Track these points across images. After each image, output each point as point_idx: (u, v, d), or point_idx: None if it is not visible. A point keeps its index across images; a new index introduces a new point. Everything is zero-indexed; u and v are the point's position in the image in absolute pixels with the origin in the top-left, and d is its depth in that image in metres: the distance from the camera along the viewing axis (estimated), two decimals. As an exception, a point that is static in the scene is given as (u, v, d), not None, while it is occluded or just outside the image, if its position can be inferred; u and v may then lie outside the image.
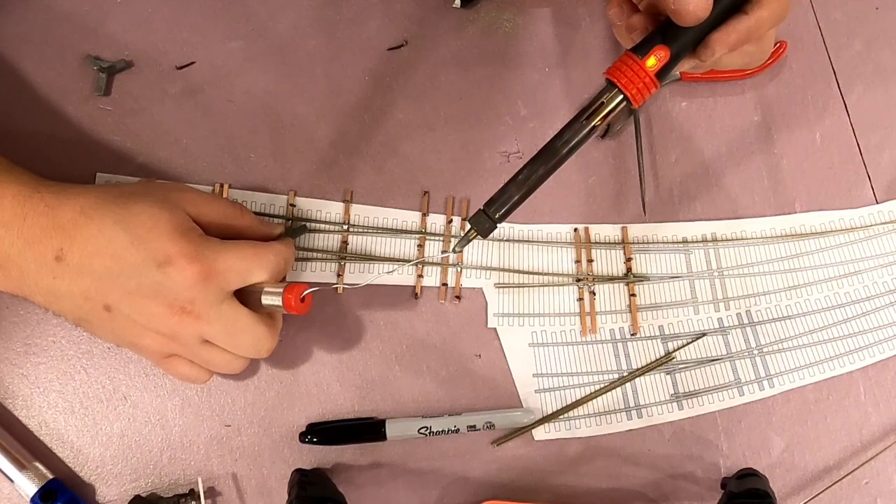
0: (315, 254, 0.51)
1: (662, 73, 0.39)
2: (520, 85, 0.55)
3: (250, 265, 0.43)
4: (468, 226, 0.41)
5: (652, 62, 0.37)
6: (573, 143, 0.39)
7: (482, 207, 0.40)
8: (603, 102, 0.38)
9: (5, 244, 0.41)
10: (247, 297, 0.43)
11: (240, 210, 0.47)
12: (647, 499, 0.50)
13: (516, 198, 0.40)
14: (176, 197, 0.43)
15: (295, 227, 0.51)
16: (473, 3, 0.56)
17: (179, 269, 0.40)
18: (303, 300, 0.43)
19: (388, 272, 0.51)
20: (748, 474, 0.48)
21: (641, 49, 0.38)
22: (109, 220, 0.41)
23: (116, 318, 0.41)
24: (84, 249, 0.40)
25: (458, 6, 0.55)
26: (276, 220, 0.51)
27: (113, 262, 0.40)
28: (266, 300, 0.43)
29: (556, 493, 0.50)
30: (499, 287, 0.52)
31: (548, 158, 0.39)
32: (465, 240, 0.42)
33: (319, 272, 0.51)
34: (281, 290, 0.43)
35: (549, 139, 0.39)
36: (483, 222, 0.40)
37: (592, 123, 0.38)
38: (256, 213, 0.51)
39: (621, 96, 0.38)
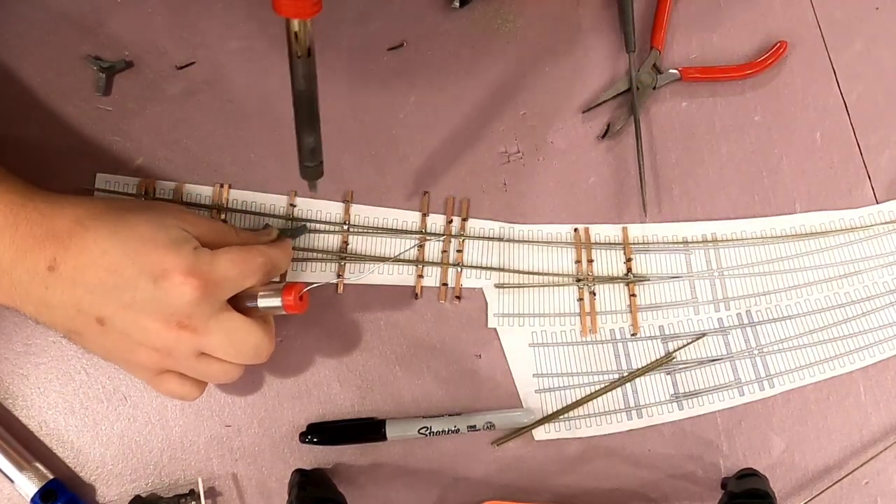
0: (315, 254, 0.51)
1: None
2: (520, 85, 0.55)
3: (242, 271, 0.42)
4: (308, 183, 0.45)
5: None
6: (303, 79, 0.41)
7: (303, 164, 0.44)
8: (288, 37, 0.39)
9: None
10: (240, 303, 0.43)
11: (234, 231, 0.46)
12: (647, 499, 0.50)
13: (312, 141, 0.43)
14: (174, 215, 0.43)
15: (294, 227, 0.51)
16: (472, 2, 0.56)
17: (176, 284, 0.40)
18: (301, 298, 0.43)
19: (396, 256, 0.51)
20: (748, 474, 0.48)
21: None
22: (105, 232, 0.40)
23: (109, 332, 0.41)
24: (78, 260, 0.40)
25: (457, 7, 0.55)
26: (272, 221, 0.51)
27: (107, 275, 0.40)
28: (263, 303, 0.43)
29: (556, 493, 0.50)
30: (499, 287, 0.52)
31: (305, 102, 0.42)
32: (314, 187, 0.45)
33: (319, 272, 0.51)
34: (278, 291, 0.43)
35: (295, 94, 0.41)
36: (311, 172, 0.44)
37: (298, 53, 0.39)
38: (256, 214, 0.51)
39: (294, 21, 0.38)
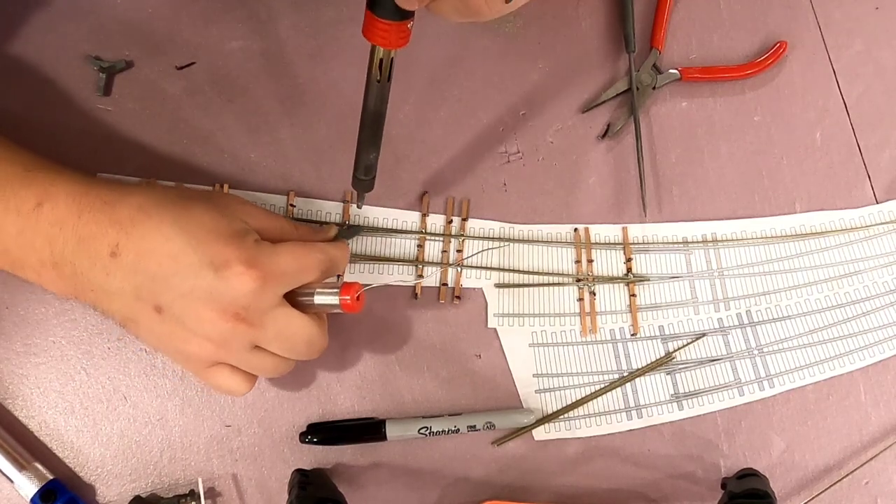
0: (315, 254, 0.51)
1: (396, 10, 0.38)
2: (520, 85, 0.55)
3: (302, 266, 0.42)
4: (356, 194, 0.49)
5: (382, 11, 0.37)
6: (376, 101, 0.42)
7: (354, 175, 0.46)
8: (371, 61, 0.40)
9: (59, 243, 0.40)
10: (296, 298, 0.43)
11: (293, 225, 0.47)
12: (647, 499, 0.50)
13: (371, 158, 0.45)
14: (235, 207, 0.44)
15: (348, 229, 0.51)
16: None
17: (237, 274, 0.39)
18: (358, 298, 0.43)
19: (418, 279, 0.51)
20: (748, 474, 0.48)
21: (372, 5, 0.38)
22: (168, 219, 0.40)
23: (165, 320, 0.41)
24: (140, 246, 0.40)
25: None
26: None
27: (169, 262, 0.40)
28: (320, 300, 0.43)
29: (556, 493, 0.50)
30: (499, 287, 0.52)
31: (373, 121, 0.43)
32: (361, 200, 0.49)
33: (319, 272, 0.51)
34: (336, 289, 0.43)
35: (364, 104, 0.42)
36: (363, 185, 0.47)
37: (376, 79, 0.41)
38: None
39: (380, 49, 0.40)
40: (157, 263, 0.40)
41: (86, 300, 0.42)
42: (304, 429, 0.49)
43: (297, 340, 0.42)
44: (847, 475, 0.50)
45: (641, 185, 0.54)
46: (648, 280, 0.53)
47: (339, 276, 0.51)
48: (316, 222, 0.52)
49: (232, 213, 0.42)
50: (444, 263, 0.52)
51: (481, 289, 0.52)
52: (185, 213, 0.41)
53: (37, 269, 0.42)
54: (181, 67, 0.53)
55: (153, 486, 0.48)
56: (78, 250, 0.40)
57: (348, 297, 0.42)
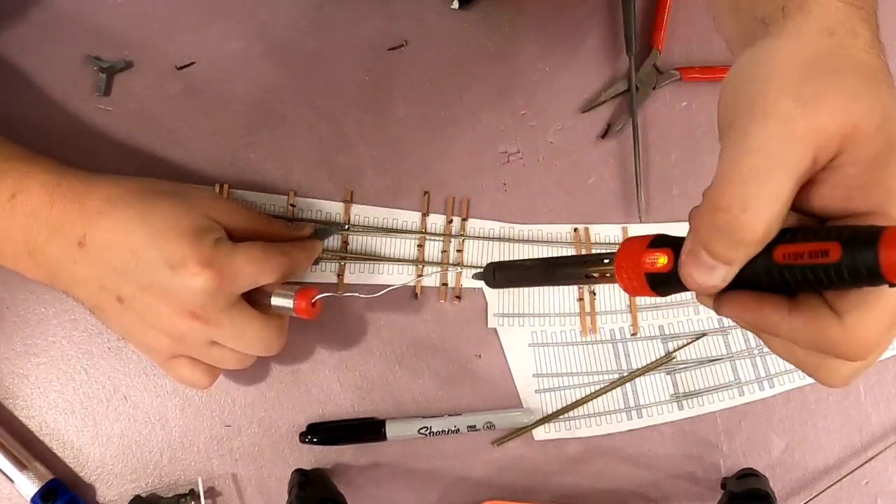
0: (315, 254, 0.51)
1: (659, 282, 0.34)
2: (520, 85, 0.55)
3: (260, 269, 0.42)
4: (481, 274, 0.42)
5: (654, 258, 0.33)
6: (566, 279, 0.38)
7: (492, 263, 0.41)
8: (594, 271, 0.37)
9: (33, 232, 0.41)
10: (255, 296, 0.43)
11: (267, 220, 0.47)
12: (647, 499, 0.50)
13: (514, 278, 0.40)
14: (204, 203, 0.44)
15: (323, 229, 0.51)
16: (472, 3, 0.56)
17: (192, 274, 0.40)
18: (313, 305, 0.43)
19: (417, 279, 0.51)
20: (748, 474, 0.48)
21: (654, 240, 0.34)
22: (132, 213, 0.41)
23: (127, 311, 0.42)
24: (105, 238, 0.41)
25: (457, 7, 0.55)
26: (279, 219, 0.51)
27: (130, 256, 0.40)
28: (276, 302, 0.43)
29: (556, 493, 0.50)
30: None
31: (547, 276, 0.39)
32: (482, 276, 0.42)
33: (319, 272, 0.51)
34: (292, 293, 0.43)
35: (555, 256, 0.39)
36: (488, 276, 0.41)
37: (585, 275, 0.37)
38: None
39: (610, 269, 0.36)
40: (119, 256, 0.41)
41: (60, 287, 0.43)
42: (304, 429, 0.49)
43: (252, 340, 0.43)
44: (847, 475, 0.50)
45: (637, 189, 0.54)
46: (648, 280, 0.53)
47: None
48: (316, 222, 0.52)
49: (199, 209, 0.43)
50: (443, 263, 0.52)
51: (481, 289, 0.52)
52: (150, 208, 0.41)
53: (12, 258, 0.43)
54: (181, 67, 0.53)
55: (153, 485, 0.48)
56: (50, 239, 0.41)
57: (302, 303, 0.43)
